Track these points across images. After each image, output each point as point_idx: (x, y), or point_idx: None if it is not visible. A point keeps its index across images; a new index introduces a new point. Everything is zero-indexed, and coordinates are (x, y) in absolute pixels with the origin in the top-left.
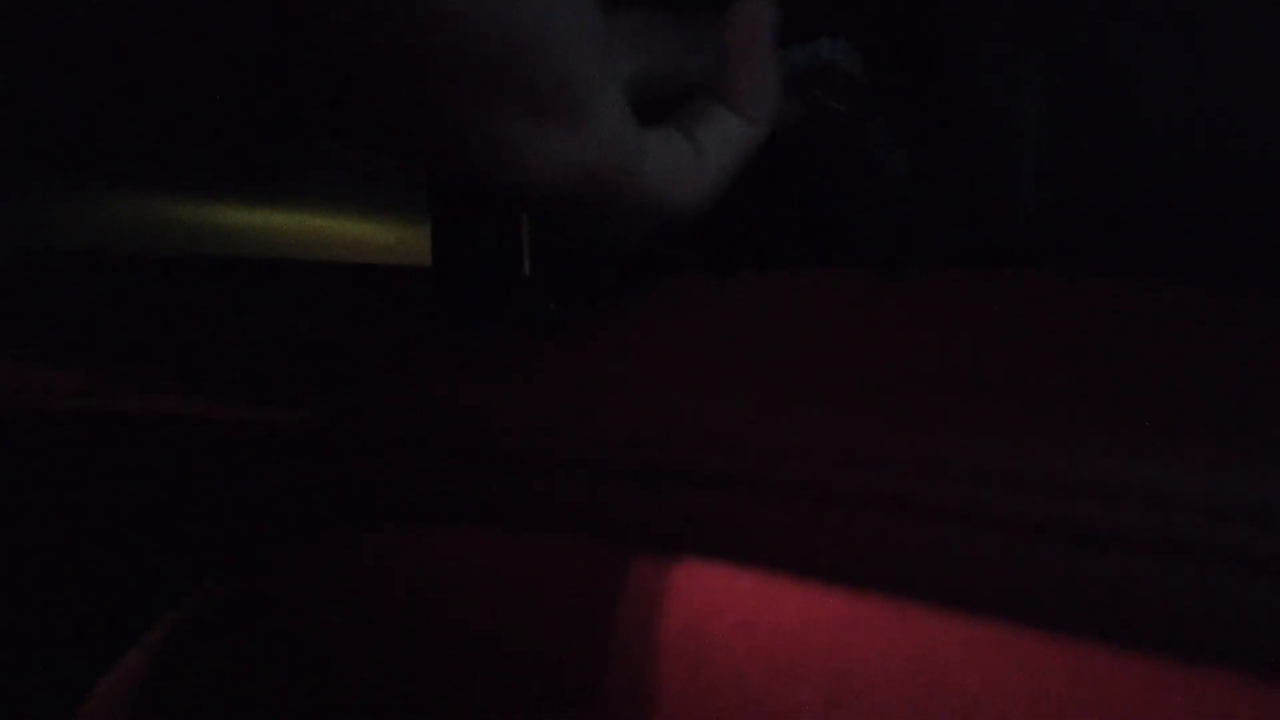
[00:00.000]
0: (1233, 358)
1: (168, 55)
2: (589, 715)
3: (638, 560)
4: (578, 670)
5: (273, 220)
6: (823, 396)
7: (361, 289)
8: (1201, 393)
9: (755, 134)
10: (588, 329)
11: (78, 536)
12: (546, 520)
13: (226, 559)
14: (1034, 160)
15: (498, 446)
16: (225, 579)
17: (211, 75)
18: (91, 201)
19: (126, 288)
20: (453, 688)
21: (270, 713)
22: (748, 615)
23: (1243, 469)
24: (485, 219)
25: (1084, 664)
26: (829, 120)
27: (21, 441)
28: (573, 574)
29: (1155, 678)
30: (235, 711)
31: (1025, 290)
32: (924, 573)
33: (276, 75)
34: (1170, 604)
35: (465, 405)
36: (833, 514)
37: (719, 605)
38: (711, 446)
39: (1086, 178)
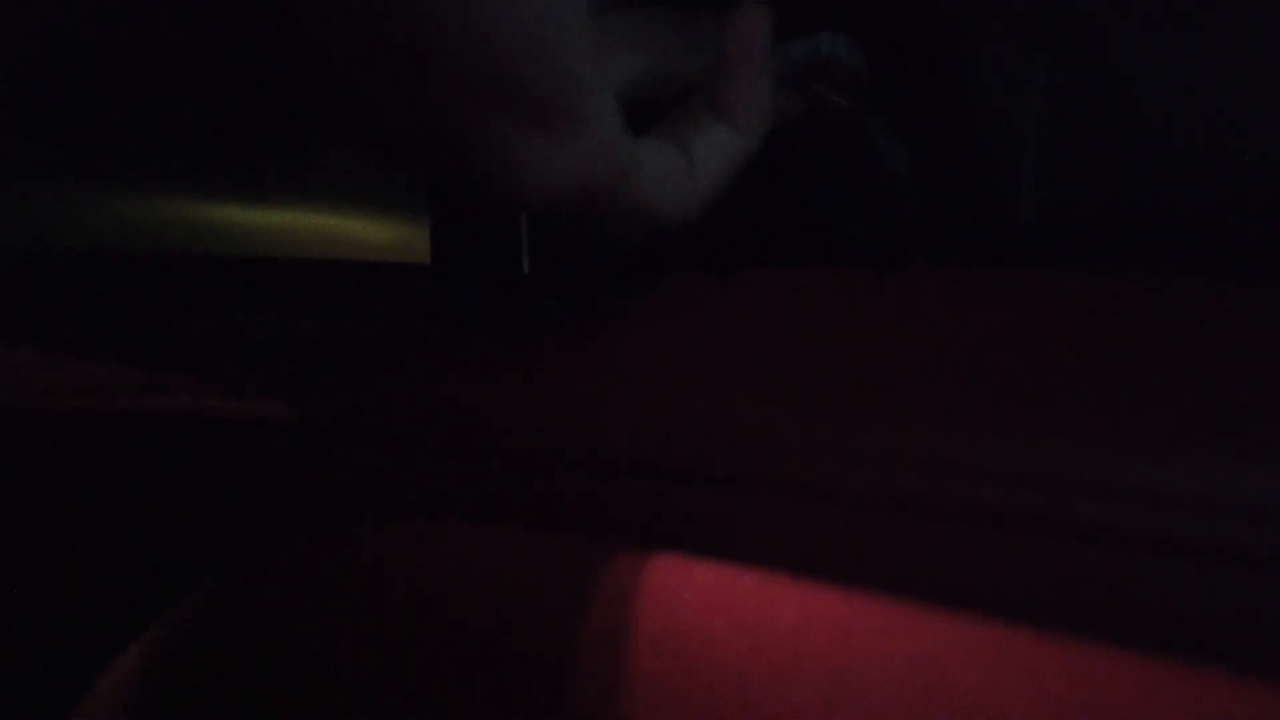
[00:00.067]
0: (1233, 356)
1: (168, 55)
2: (588, 713)
3: (637, 558)
4: (576, 668)
5: (272, 218)
6: (822, 395)
7: (361, 287)
8: (1202, 391)
9: (747, 146)
10: (587, 327)
11: (78, 535)
12: (546, 518)
13: (227, 557)
14: (1034, 160)
15: (497, 444)
16: (225, 577)
17: (211, 75)
18: (91, 200)
19: (126, 286)
20: (452, 685)
21: (270, 710)
22: (747, 614)
23: (1242, 467)
24: (485, 218)
25: (1083, 663)
26: (829, 116)
27: (21, 440)
28: (572, 572)
29: (1155, 677)
30: (235, 709)
31: (1025, 289)
32: (924, 571)
33: (277, 77)
34: (1170, 603)
35: (464, 403)
36: (832, 512)
37: (718, 604)
38: (711, 445)
39: (1086, 177)
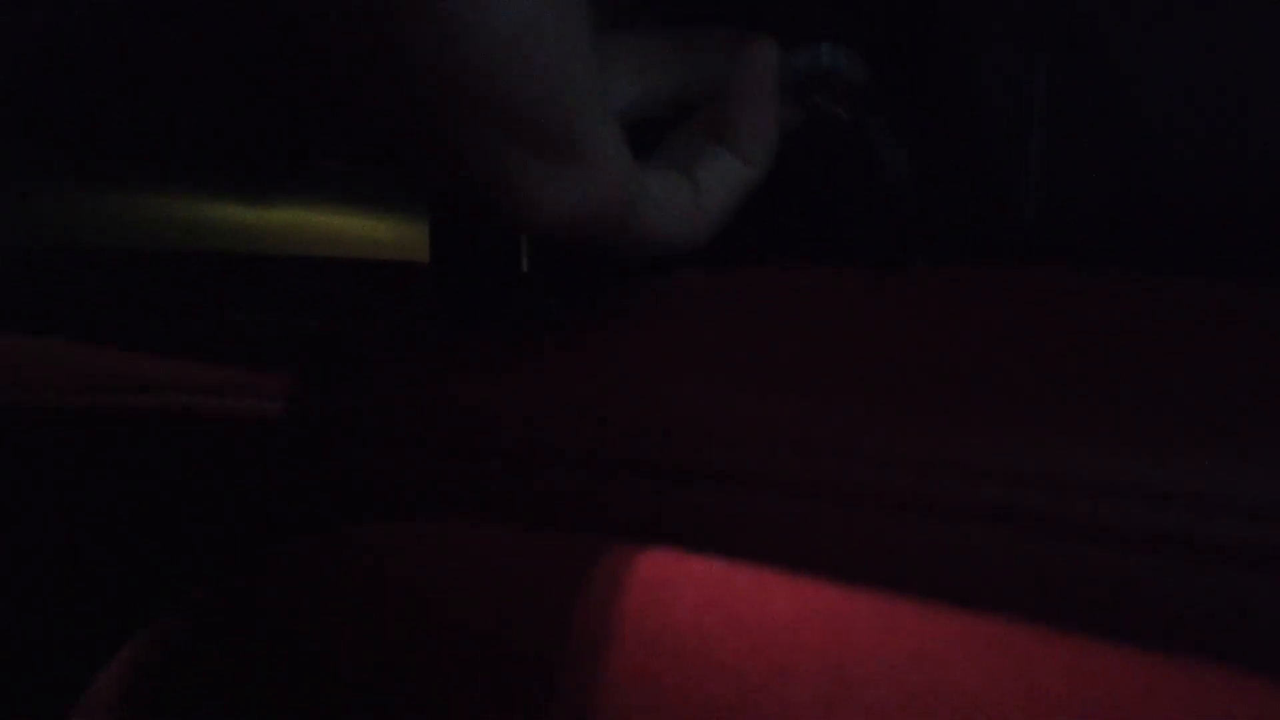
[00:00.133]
0: (1233, 355)
1: (168, 55)
2: (587, 710)
3: (635, 555)
4: (575, 665)
5: (272, 216)
6: (821, 394)
7: (360, 285)
8: (1201, 390)
9: (754, 175)
10: (587, 326)
11: (78, 533)
12: (545, 516)
13: (225, 556)
14: (1035, 159)
15: (496, 443)
16: (224, 575)
17: (212, 75)
18: (90, 199)
19: (125, 284)
20: (451, 682)
21: (269, 709)
22: (745, 610)
23: (1242, 467)
24: (484, 218)
25: (1081, 660)
26: (830, 126)
27: (20, 438)
28: (570, 569)
29: (1153, 675)
30: (234, 708)
31: (1025, 288)
32: (921, 569)
33: (279, 82)
34: (1168, 601)
35: (464, 402)
36: (831, 510)
37: (716, 601)
38: (710, 442)
39: (1087, 177)
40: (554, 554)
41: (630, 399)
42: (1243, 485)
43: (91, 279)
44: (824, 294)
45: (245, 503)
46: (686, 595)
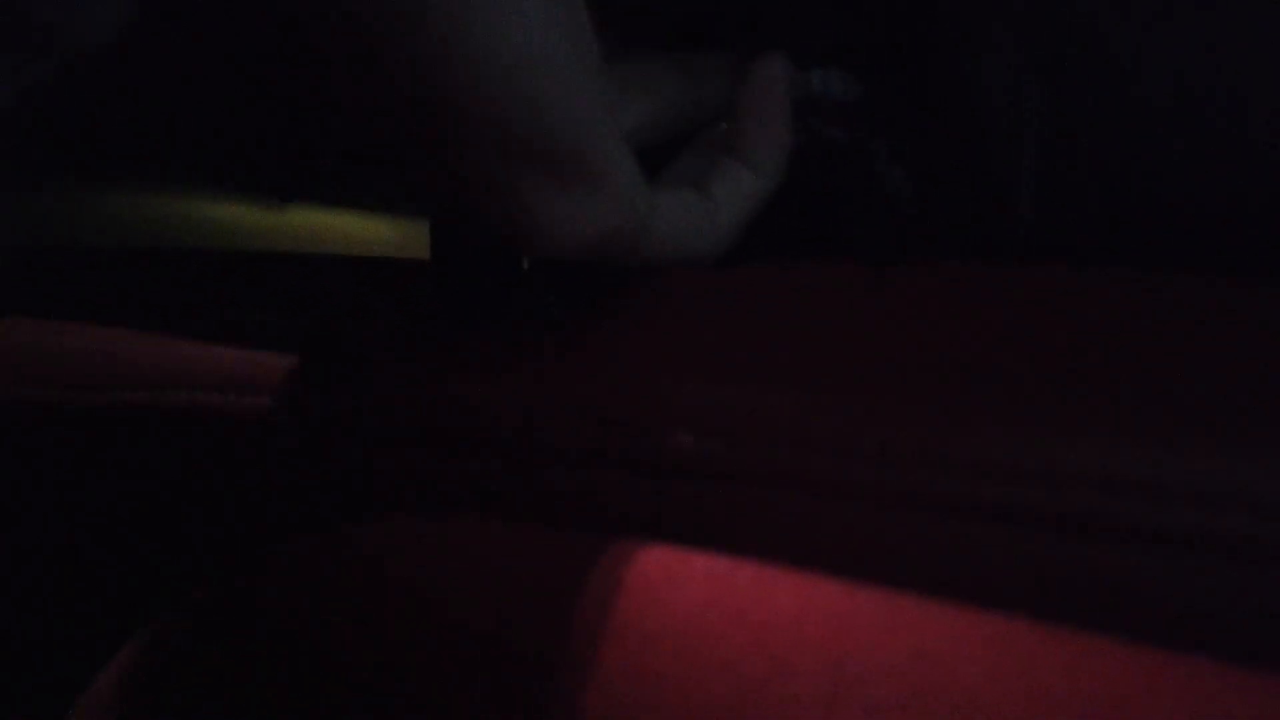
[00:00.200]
0: (1233, 352)
1: (169, 55)
2: (587, 707)
3: (636, 552)
4: (576, 662)
5: (273, 214)
6: (821, 389)
7: (361, 283)
8: (1202, 387)
9: (766, 186)
10: (586, 323)
11: (78, 530)
12: (544, 513)
13: (225, 554)
14: (1034, 160)
15: (496, 440)
16: (224, 574)
17: (214, 77)
18: (91, 197)
19: (126, 282)
20: (450, 679)
21: (269, 707)
22: (746, 607)
23: (1242, 463)
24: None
25: (1083, 656)
26: (824, 147)
27: (20, 435)
28: (570, 566)
29: (1154, 671)
30: (234, 707)
31: (1023, 284)
32: (922, 565)
33: (282, 92)
34: (1169, 597)
35: (464, 399)
36: (830, 506)
37: (717, 597)
38: (709, 438)
39: (1087, 177)
40: (555, 552)
41: (630, 397)
42: (1242, 482)
43: (92, 277)
44: (823, 291)
45: (245, 501)
46: (687, 592)
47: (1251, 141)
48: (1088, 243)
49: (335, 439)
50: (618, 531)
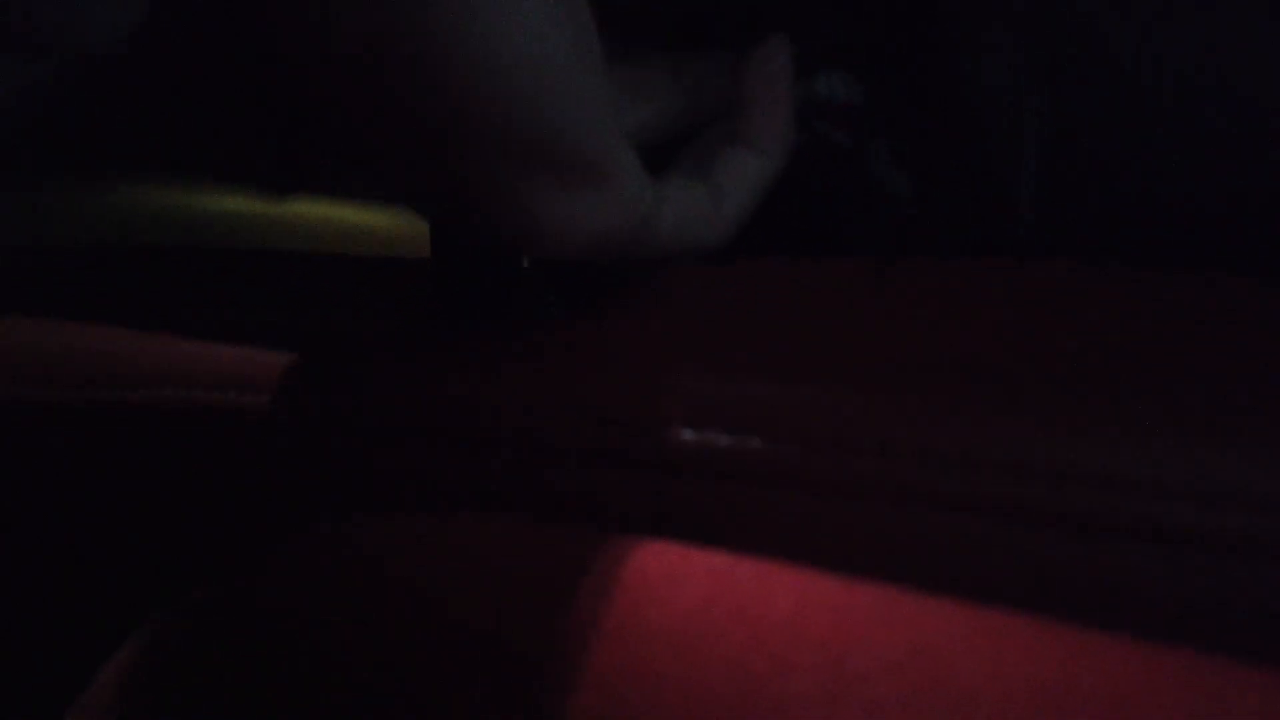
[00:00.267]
0: (1235, 349)
1: (169, 54)
2: (587, 703)
3: (637, 549)
4: (576, 658)
5: (273, 210)
6: (822, 386)
7: (361, 281)
8: (1203, 384)
9: (772, 167)
10: (586, 320)
11: (77, 528)
12: (545, 511)
13: (224, 552)
14: (1035, 166)
15: (496, 438)
16: (224, 572)
17: (213, 76)
18: (90, 194)
19: (126, 279)
20: (451, 676)
21: (269, 704)
22: (745, 603)
23: (1242, 459)
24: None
25: (1082, 653)
26: (827, 149)
27: (19, 432)
28: (571, 563)
29: (1155, 667)
30: (234, 705)
31: (1025, 281)
32: (922, 561)
33: (283, 96)
34: (1169, 593)
35: (463, 397)
36: (831, 502)
37: (717, 593)
38: (709, 435)
39: (1087, 184)
40: (555, 550)
41: (630, 394)
42: (1242, 480)
43: (92, 275)
44: (824, 288)
45: (245, 499)
46: (687, 589)
47: (1251, 141)
48: (1088, 242)
49: (335, 437)
50: (618, 529)
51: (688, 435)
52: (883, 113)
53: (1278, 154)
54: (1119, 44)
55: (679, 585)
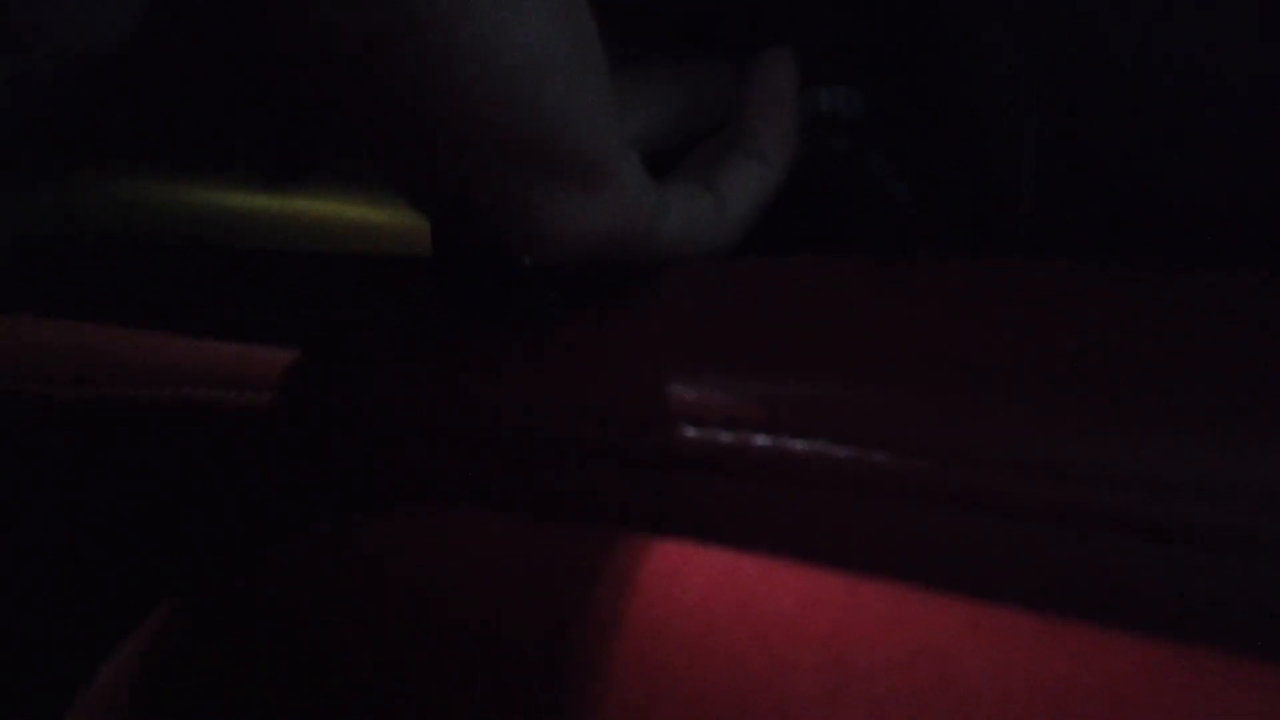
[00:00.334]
0: (1236, 346)
1: (168, 52)
2: (588, 700)
3: (637, 546)
4: (577, 655)
5: (273, 205)
6: (822, 382)
7: (362, 280)
8: (1203, 380)
9: (775, 178)
10: (586, 317)
11: (75, 526)
12: (546, 508)
13: (224, 549)
14: (1035, 166)
15: (498, 436)
16: (223, 569)
17: (213, 73)
18: (88, 189)
19: (126, 276)
20: (453, 673)
21: (269, 701)
22: (748, 600)
23: (1243, 456)
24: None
25: (1088, 650)
26: (832, 163)
27: (17, 427)
28: (572, 560)
29: (1157, 664)
30: (234, 701)
31: (1026, 277)
32: (925, 560)
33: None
34: (1171, 591)
35: (464, 395)
36: (834, 500)
37: (718, 589)
38: (713, 429)
39: (1087, 183)
40: (556, 548)
41: (631, 392)
42: (1243, 477)
43: (92, 272)
44: (825, 285)
45: (245, 497)
46: (690, 586)
47: (1251, 141)
48: (1088, 242)
49: (336, 436)
50: (619, 527)
51: (689, 433)
52: (883, 115)
53: (1277, 153)
54: (1119, 44)
55: (680, 583)
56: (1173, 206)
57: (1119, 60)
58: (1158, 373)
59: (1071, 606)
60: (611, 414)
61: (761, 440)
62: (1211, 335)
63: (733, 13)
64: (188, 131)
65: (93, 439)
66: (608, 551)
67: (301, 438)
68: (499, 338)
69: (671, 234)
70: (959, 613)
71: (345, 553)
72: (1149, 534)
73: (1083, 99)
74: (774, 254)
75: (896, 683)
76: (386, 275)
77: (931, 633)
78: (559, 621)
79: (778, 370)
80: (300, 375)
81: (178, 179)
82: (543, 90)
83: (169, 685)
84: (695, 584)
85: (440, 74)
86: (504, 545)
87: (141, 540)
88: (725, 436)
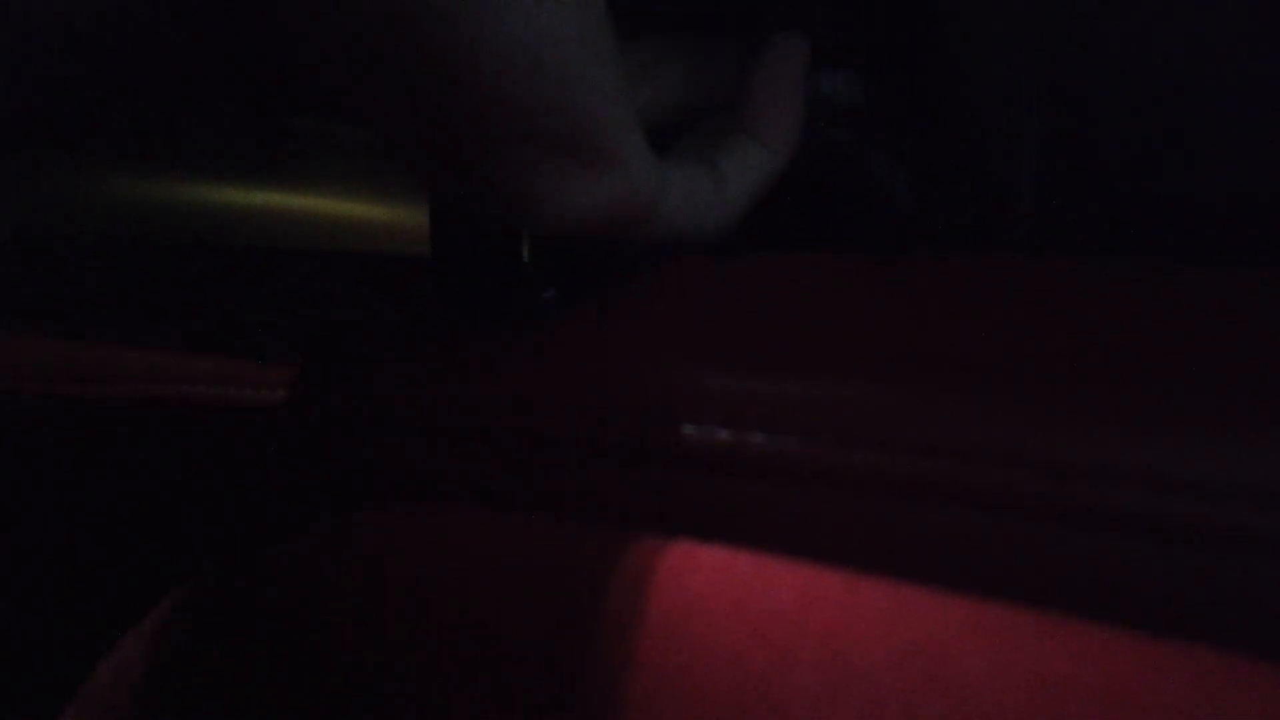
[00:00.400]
0: (1236, 344)
1: (168, 48)
2: (588, 696)
3: (635, 541)
4: (573, 651)
5: (272, 203)
6: (823, 379)
7: (362, 278)
8: (1203, 378)
9: (776, 163)
10: (586, 313)
11: (74, 522)
12: (545, 504)
13: (224, 546)
14: (1035, 166)
15: (497, 431)
16: (223, 566)
17: (211, 67)
18: (88, 186)
19: (127, 275)
20: (449, 670)
21: (269, 697)
22: (746, 597)
23: (1242, 454)
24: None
25: (1085, 646)
26: (829, 148)
27: (18, 426)
28: (570, 557)
29: (1156, 660)
30: (234, 698)
31: (1025, 275)
32: (923, 556)
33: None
34: (1170, 588)
35: (464, 391)
36: (832, 496)
37: (717, 587)
38: (712, 426)
39: (1087, 182)
40: (556, 544)
41: (630, 389)
42: (1243, 475)
43: (92, 269)
44: (825, 281)
45: (245, 495)
46: (688, 584)
47: (1250, 140)
48: (1087, 241)
49: (336, 435)
50: (619, 524)
51: (689, 430)
52: (883, 113)
53: (1277, 153)
54: (1119, 44)
55: (680, 580)
56: (1172, 206)
57: (1119, 60)
58: (1158, 372)
59: (1069, 603)
60: (611, 412)
61: (760, 438)
62: (1212, 335)
63: (734, 12)
64: (186, 129)
65: (93, 438)
66: (607, 549)
67: (301, 437)
68: (498, 337)
69: (670, 211)
70: (958, 610)
71: (345, 552)
72: (1149, 533)
73: (1082, 99)
74: (773, 251)
75: (895, 679)
76: (386, 275)
77: (930, 630)
78: (558, 619)
79: (776, 369)
80: (301, 374)
81: (177, 177)
82: (548, 66)
83: (169, 682)
84: (695, 581)
85: (444, 50)
86: (504, 542)
87: (142, 539)
88: (724, 434)
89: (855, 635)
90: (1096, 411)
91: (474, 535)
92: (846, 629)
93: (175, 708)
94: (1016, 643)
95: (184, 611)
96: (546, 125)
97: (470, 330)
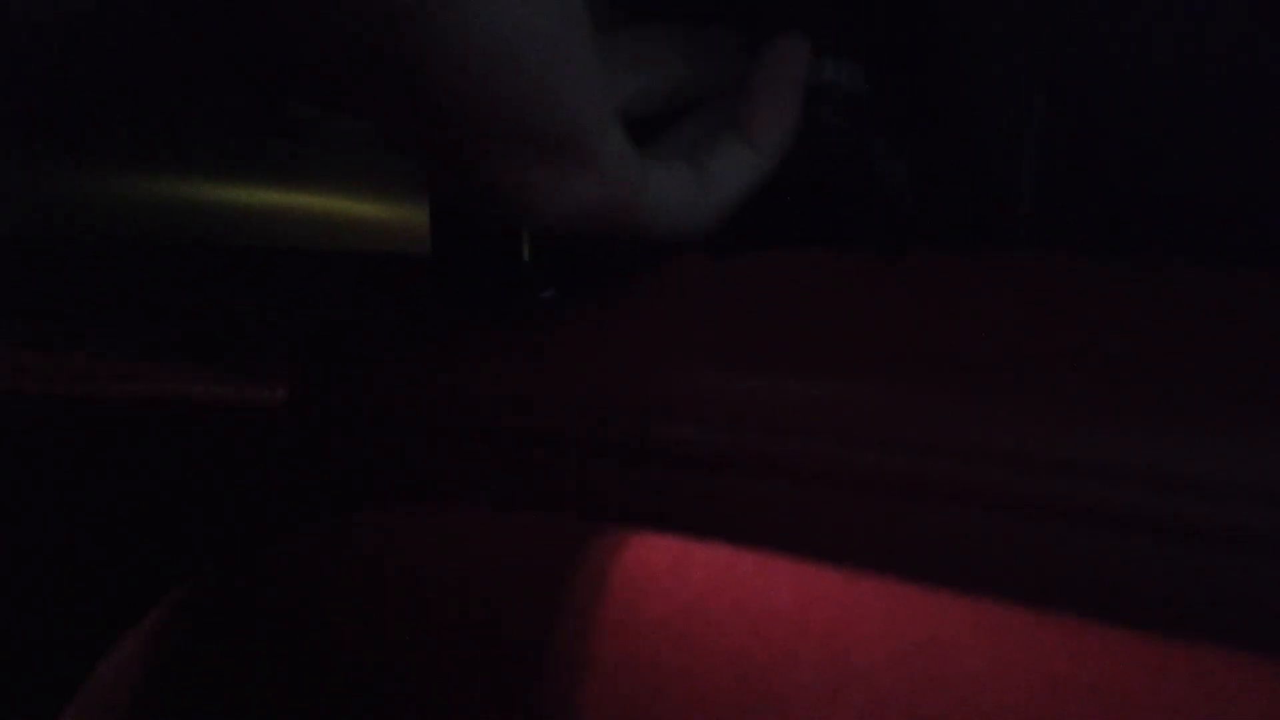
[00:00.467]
0: (1236, 342)
1: (165, 45)
2: (584, 697)
3: (635, 541)
4: (573, 651)
5: (272, 202)
6: (822, 377)
7: (362, 277)
8: (1205, 377)
9: (765, 166)
10: (582, 313)
11: (73, 522)
12: (545, 502)
13: (223, 545)
14: (1035, 165)
15: (497, 431)
16: (222, 565)
17: (208, 64)
18: (88, 186)
19: (127, 274)
20: (448, 668)
21: (268, 696)
22: (747, 596)
23: (1243, 453)
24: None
25: (1086, 644)
26: (829, 136)
27: (17, 426)
28: (569, 555)
29: (1157, 658)
30: (233, 697)
31: (1025, 273)
32: (924, 554)
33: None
34: (1172, 586)
35: (463, 389)
36: (832, 494)
37: (718, 586)
38: (712, 425)
39: (1087, 182)
40: (555, 542)
41: (629, 388)
42: (1244, 473)
43: (91, 268)
44: (825, 279)
45: (245, 495)
46: (687, 582)
47: (1250, 139)
48: (1088, 240)
49: (336, 433)
50: (618, 522)
51: (688, 429)
52: (883, 109)
53: (1277, 153)
54: (1119, 44)
55: (679, 578)
56: (1172, 205)
57: (1119, 60)
58: (1158, 372)
59: (1070, 602)
60: (610, 411)
61: (760, 438)
62: (1211, 334)
63: (735, 6)
64: (186, 129)
65: (94, 438)
66: (606, 546)
67: (301, 437)
68: (497, 335)
69: (651, 211)
70: (958, 609)
71: (345, 552)
72: (1148, 530)
73: (1083, 98)
74: (773, 249)
75: (895, 678)
76: (386, 274)
77: (931, 628)
78: (558, 616)
79: (775, 367)
80: (300, 375)
81: (177, 177)
82: (522, 63)
83: (169, 682)
84: (694, 580)
85: (424, 45)
86: (503, 541)
87: (142, 539)
88: (724, 434)
89: (855, 635)
90: (1097, 411)
91: (474, 535)
92: (846, 628)
93: (175, 708)
94: (1016, 642)
95: (184, 611)
96: (525, 122)
97: (469, 329)
